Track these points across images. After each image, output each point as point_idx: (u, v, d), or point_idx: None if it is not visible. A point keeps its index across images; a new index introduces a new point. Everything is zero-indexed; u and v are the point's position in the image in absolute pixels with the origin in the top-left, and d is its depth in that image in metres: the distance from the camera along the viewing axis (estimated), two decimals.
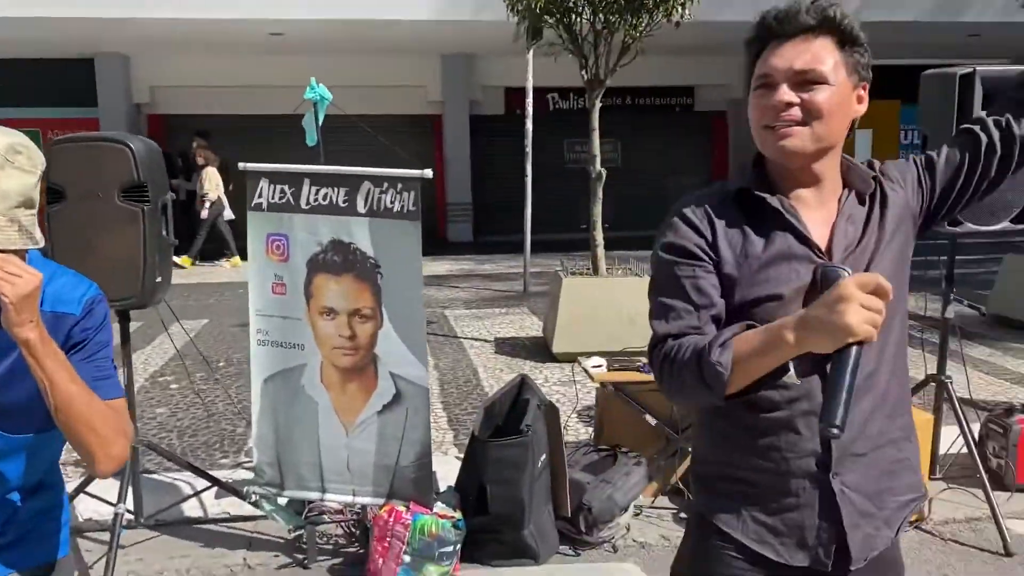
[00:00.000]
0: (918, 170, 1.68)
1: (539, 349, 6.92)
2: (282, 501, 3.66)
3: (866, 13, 12.61)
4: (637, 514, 4.05)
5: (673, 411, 3.99)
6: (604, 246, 6.58)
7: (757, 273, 1.54)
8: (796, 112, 1.51)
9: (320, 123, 3.76)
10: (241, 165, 3.51)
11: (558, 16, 6.36)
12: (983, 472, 4.04)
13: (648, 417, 4.03)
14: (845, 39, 1.54)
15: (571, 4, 6.28)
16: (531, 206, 9.41)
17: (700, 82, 16.24)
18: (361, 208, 3.38)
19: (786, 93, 1.51)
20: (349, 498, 3.64)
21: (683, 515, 4.11)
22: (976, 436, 4.54)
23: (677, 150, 16.48)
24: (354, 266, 3.42)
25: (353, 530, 3.88)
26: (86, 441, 1.62)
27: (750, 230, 1.57)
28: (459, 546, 3.51)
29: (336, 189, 3.39)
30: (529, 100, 9.35)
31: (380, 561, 3.45)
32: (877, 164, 1.67)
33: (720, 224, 1.57)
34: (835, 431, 1.31)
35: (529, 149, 9.39)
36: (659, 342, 1.54)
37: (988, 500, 3.93)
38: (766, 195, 1.57)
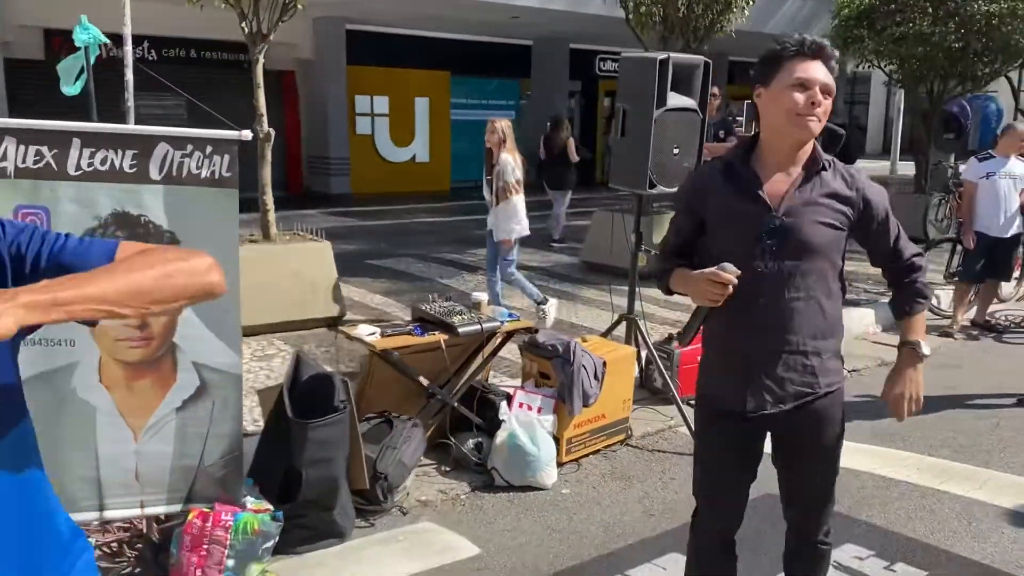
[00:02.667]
0: (873, 219, 2.33)
1: None
2: None
3: None
4: None
5: (447, 362, 4.14)
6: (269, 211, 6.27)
7: (727, 217, 2.30)
8: (818, 110, 2.17)
9: (90, 69, 3.09)
10: None
11: None
12: (674, 390, 4.91)
13: (422, 379, 4.12)
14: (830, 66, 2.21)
15: None
16: None
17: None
18: (155, 174, 2.89)
19: (819, 96, 2.16)
20: (137, 511, 3.14)
21: (446, 468, 4.30)
22: (643, 362, 5.47)
23: (247, 108, 15.82)
24: (145, 242, 2.91)
25: (116, 548, 3.34)
26: (181, 290, 1.31)
27: (731, 188, 2.30)
28: (277, 538, 3.28)
29: (120, 152, 2.85)
30: (128, 48, 8.30)
31: (197, 572, 3.07)
32: (860, 176, 2.34)
33: (710, 183, 2.35)
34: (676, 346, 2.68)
35: (131, 103, 8.37)
36: (661, 251, 2.53)
37: (681, 413, 4.80)
38: (742, 169, 2.31)
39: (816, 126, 2.17)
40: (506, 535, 3.71)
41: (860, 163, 19.49)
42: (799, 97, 2.14)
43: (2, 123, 2.77)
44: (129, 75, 8.47)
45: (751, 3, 8.48)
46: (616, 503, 4.03)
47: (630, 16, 8.57)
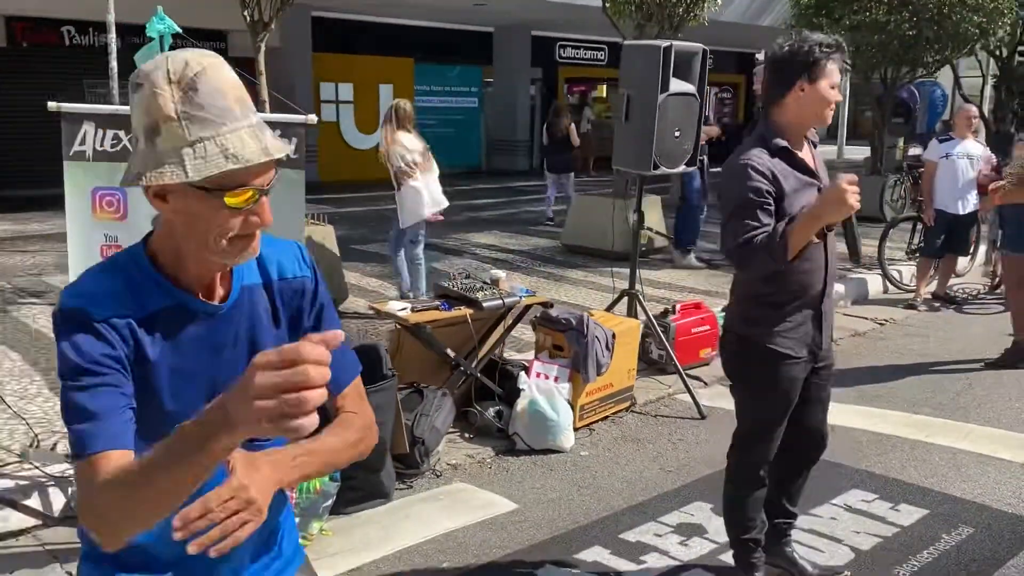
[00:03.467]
0: None
1: None
2: None
3: None
4: None
5: (473, 335, 4.38)
6: None
7: (796, 193, 2.62)
8: None
9: None
10: (53, 105, 2.91)
11: None
12: (676, 362, 5.22)
13: (449, 351, 4.35)
14: None
15: None
16: None
17: (232, 27, 15.68)
18: None
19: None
20: None
21: (468, 435, 4.55)
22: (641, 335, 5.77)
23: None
24: None
25: None
26: (348, 463, 1.45)
27: (791, 169, 2.65)
28: (335, 498, 3.50)
29: None
30: (112, 36, 8.34)
31: None
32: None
33: (775, 168, 2.61)
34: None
35: (116, 91, 8.40)
36: (747, 241, 2.56)
37: (683, 381, 5.11)
38: (796, 152, 2.67)
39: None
40: (537, 492, 3.97)
41: None
42: (830, 96, 2.58)
43: (82, 108, 2.94)
44: (114, 63, 8.50)
45: None
46: (632, 462, 4.32)
47: (607, 3, 8.84)
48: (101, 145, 2.95)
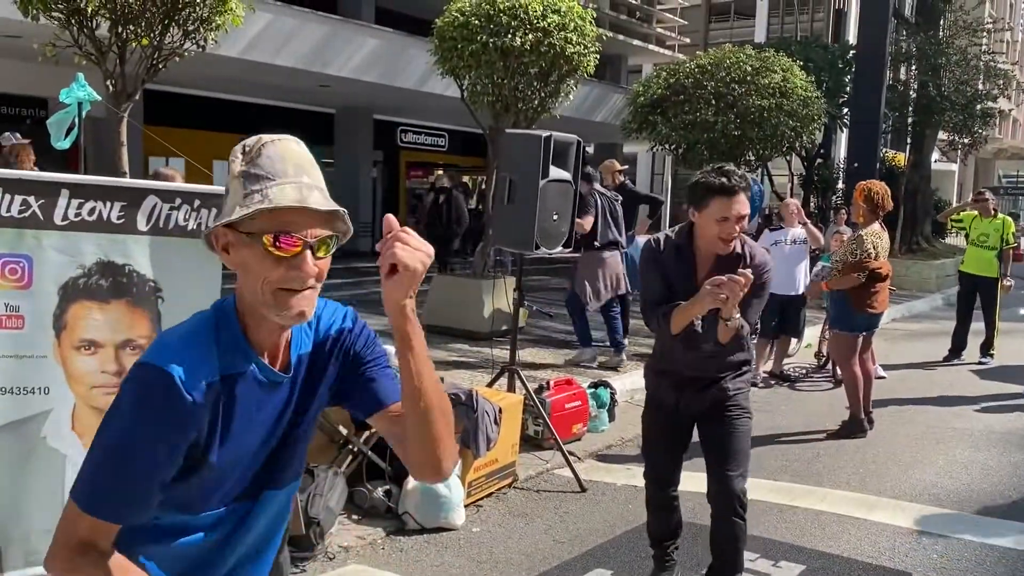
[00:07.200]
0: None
1: None
2: None
3: (252, 54, 13.50)
4: None
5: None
6: None
7: (676, 280, 3.33)
8: (735, 235, 3.25)
9: (80, 125, 3.11)
10: None
11: (65, 16, 5.76)
12: (556, 437, 5.37)
13: (340, 427, 4.29)
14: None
15: (82, 5, 5.76)
16: None
17: (55, 94, 14.92)
18: (142, 225, 2.99)
19: (735, 228, 3.22)
20: None
21: (355, 516, 4.46)
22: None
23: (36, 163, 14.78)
24: (128, 291, 3.00)
25: None
26: (442, 434, 1.47)
27: (678, 262, 3.38)
28: None
29: (109, 203, 2.93)
30: None
31: None
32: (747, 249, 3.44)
33: (666, 257, 3.41)
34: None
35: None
36: (652, 307, 3.40)
37: (564, 456, 5.27)
38: (690, 252, 3.39)
39: (734, 245, 3.32)
40: (437, 570, 3.95)
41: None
42: (720, 228, 3.27)
43: None
44: None
45: (575, 88, 9.46)
46: (526, 536, 4.39)
47: (465, 93, 9.21)
48: (8, 211, 2.78)
